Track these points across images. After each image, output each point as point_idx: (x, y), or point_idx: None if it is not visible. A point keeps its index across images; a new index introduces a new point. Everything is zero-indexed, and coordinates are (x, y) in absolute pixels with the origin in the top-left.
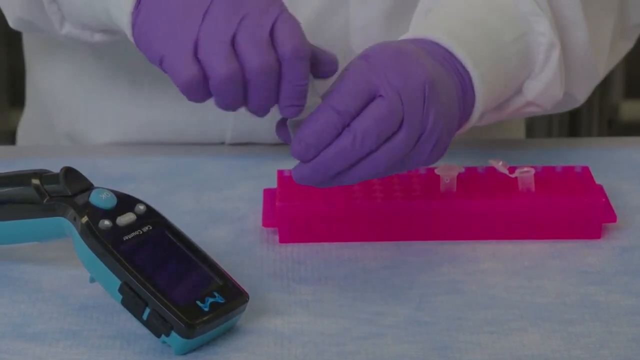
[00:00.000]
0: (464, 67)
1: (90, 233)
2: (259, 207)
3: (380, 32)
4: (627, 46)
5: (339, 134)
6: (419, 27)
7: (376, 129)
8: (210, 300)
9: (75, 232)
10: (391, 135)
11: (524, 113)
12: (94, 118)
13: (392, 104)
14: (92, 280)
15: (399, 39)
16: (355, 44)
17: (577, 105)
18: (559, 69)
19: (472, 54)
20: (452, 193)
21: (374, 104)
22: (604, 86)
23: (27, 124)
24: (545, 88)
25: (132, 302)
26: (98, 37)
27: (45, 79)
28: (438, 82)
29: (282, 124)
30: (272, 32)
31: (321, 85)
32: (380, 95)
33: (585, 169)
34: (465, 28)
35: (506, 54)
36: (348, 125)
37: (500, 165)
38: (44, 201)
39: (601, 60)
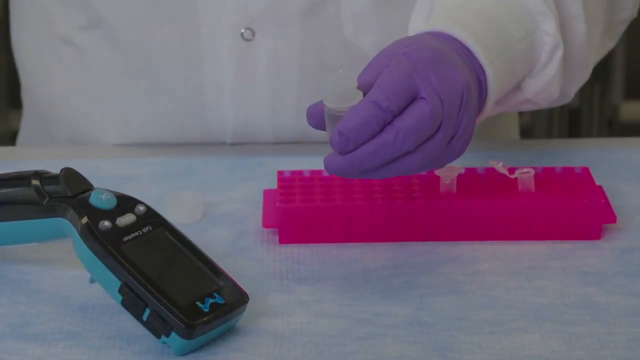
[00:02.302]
0: (479, 65)
1: (90, 234)
2: (259, 207)
3: (371, 19)
4: (609, 45)
5: (379, 131)
6: (425, 16)
7: (418, 131)
8: (210, 300)
9: (75, 233)
10: (428, 138)
11: (520, 108)
12: (94, 120)
13: (435, 108)
14: (92, 281)
15: (411, 32)
16: (348, 33)
17: (567, 100)
18: (559, 70)
19: (487, 52)
20: (452, 194)
21: (417, 105)
22: (604, 87)
23: (26, 136)
24: (544, 87)
25: (132, 302)
26: None
27: (43, 87)
28: (472, 87)
29: (315, 110)
30: None
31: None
32: (422, 98)
33: (585, 170)
34: (478, 22)
35: (513, 51)
36: (389, 123)
37: (500, 166)
38: (44, 202)
39: (592, 57)
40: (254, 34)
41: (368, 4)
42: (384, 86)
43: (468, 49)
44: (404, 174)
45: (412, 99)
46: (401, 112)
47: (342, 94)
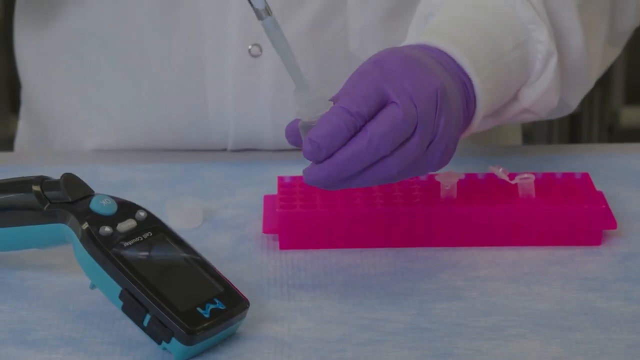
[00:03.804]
0: (466, 75)
1: (90, 239)
2: (260, 213)
3: (378, 35)
4: (615, 52)
5: (351, 137)
6: (421, 32)
7: (391, 134)
8: (211, 306)
9: (76, 239)
10: (404, 141)
11: (519, 119)
12: (94, 127)
13: (407, 111)
14: (92, 286)
15: (402, 44)
16: (354, 47)
17: (570, 111)
18: (555, 78)
19: (474, 62)
20: (453, 199)
21: (388, 109)
22: (605, 92)
23: (23, 142)
24: (541, 96)
25: (133, 308)
26: None
27: (43, 93)
28: (448, 89)
29: (292, 128)
30: None
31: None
32: (393, 102)
33: (586, 176)
34: (468, 34)
35: (506, 61)
36: (360, 128)
37: (500, 172)
38: (45, 208)
39: (594, 67)
40: (261, 50)
41: (375, 19)
42: (352, 92)
43: (454, 60)
44: (385, 181)
45: (383, 104)
46: (372, 117)
47: (313, 105)
